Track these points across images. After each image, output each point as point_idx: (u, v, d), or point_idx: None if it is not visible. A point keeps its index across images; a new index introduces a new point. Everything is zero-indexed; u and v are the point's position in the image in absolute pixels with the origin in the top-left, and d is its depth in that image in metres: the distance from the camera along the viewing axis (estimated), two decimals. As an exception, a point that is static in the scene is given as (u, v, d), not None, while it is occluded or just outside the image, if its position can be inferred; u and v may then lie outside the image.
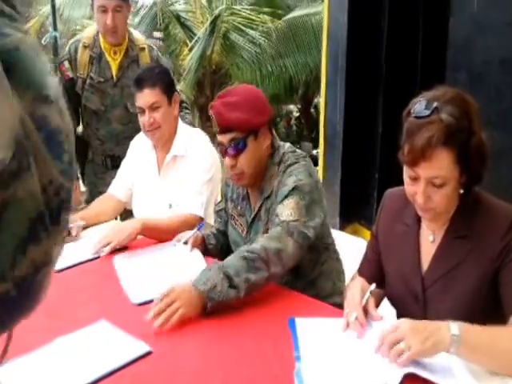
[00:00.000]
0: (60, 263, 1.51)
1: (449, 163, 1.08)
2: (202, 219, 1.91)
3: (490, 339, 1.03)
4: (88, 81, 2.42)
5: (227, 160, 1.56)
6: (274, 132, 1.65)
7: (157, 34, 6.86)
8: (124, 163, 2.16)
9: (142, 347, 1.21)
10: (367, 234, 3.81)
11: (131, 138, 2.53)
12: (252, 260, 1.37)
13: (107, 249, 1.70)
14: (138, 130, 2.56)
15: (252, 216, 1.66)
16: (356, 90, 3.84)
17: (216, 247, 1.81)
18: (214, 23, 7.71)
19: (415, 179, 1.12)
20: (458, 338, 0.99)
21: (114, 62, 2.43)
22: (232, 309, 1.34)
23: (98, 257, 1.70)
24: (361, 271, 1.43)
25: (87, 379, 1.10)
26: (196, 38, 7.75)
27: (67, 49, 2.48)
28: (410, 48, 3.68)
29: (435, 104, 1.08)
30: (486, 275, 1.14)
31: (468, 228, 1.17)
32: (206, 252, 1.75)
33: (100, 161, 2.56)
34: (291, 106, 8.72)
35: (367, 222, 4.00)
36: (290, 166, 1.56)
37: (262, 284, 1.39)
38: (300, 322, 1.27)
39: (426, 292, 1.22)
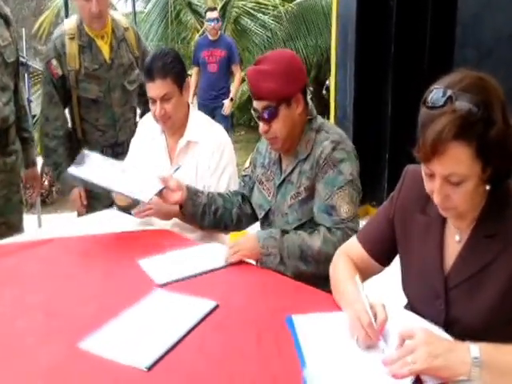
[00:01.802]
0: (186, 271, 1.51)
1: (466, 159, 0.97)
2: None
3: None
4: (83, 71, 2.38)
5: (261, 125, 1.60)
6: (308, 99, 1.67)
7: (211, 15, 5.41)
8: (133, 143, 2.14)
9: (208, 303, 1.31)
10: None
11: (129, 120, 2.56)
12: (306, 256, 1.54)
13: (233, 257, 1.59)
14: (133, 109, 2.61)
15: (281, 179, 1.68)
16: (365, 71, 3.83)
17: (202, 207, 1.77)
18: (224, 8, 7.69)
19: (432, 176, 1.02)
20: (479, 361, 0.91)
21: (105, 46, 2.42)
22: (232, 305, 1.34)
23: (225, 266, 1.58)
24: (362, 238, 1.34)
25: (172, 340, 1.15)
26: (207, 24, 7.72)
27: (51, 46, 2.39)
28: (419, 26, 3.65)
29: (449, 92, 0.97)
30: None
31: (497, 226, 1.07)
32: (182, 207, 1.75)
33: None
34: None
35: (378, 203, 4.00)
36: (339, 143, 1.60)
37: (308, 274, 1.55)
38: (298, 319, 1.21)
39: (448, 293, 1.13)
